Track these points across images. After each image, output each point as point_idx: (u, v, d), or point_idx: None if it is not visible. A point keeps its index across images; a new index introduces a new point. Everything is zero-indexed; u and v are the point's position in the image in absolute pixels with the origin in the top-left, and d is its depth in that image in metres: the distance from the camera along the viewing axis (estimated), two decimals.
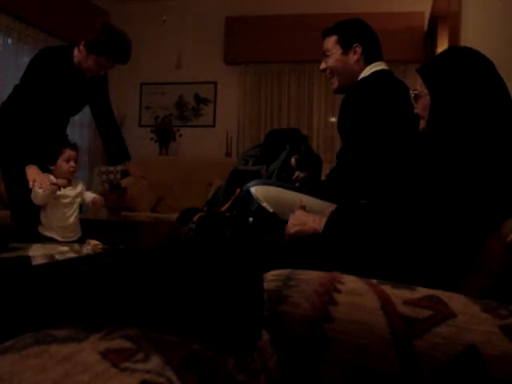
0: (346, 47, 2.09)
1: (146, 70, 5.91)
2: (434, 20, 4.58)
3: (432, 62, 1.45)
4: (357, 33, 2.11)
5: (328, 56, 2.13)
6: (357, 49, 2.07)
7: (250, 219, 1.83)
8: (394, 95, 1.93)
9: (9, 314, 0.55)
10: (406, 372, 0.62)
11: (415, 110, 1.48)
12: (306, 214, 1.61)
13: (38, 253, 1.97)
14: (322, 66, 2.18)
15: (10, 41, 4.74)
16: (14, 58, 4.76)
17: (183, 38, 5.75)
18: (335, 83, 2.16)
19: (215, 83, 5.97)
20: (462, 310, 0.67)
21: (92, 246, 2.12)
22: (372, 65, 2.07)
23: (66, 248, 2.20)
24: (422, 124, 1.46)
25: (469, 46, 1.45)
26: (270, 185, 1.96)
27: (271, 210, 1.84)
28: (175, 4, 5.81)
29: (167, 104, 6.09)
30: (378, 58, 2.10)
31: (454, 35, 3.30)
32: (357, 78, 2.07)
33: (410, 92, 1.50)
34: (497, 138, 1.28)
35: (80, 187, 2.85)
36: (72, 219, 2.77)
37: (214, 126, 6.00)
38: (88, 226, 3.03)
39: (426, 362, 0.62)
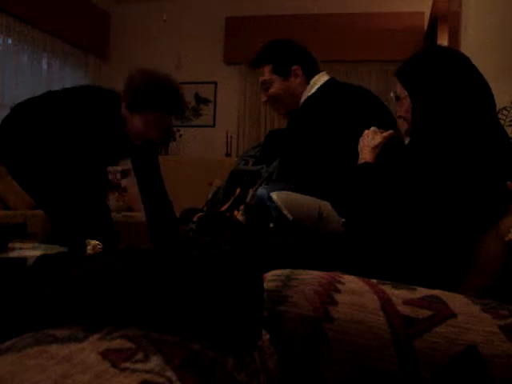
0: (284, 73, 1.99)
1: None
2: (434, 20, 4.58)
3: (408, 64, 1.43)
4: (291, 55, 2.01)
5: (268, 86, 2.03)
6: (297, 71, 1.98)
7: (271, 225, 1.81)
8: (342, 106, 1.87)
9: (9, 314, 0.55)
10: (405, 372, 0.62)
11: (398, 114, 1.48)
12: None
13: (37, 253, 1.96)
14: (263, 98, 2.07)
15: (9, 41, 4.73)
16: (14, 58, 4.76)
17: (183, 38, 5.75)
18: (281, 109, 2.06)
19: (215, 83, 5.97)
20: (461, 310, 0.67)
21: (92, 245, 2.10)
22: (313, 79, 1.99)
23: (65, 248, 2.19)
24: (407, 126, 1.46)
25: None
26: (289, 189, 1.92)
27: (291, 218, 1.80)
28: (175, 4, 5.81)
29: None
30: (316, 71, 2.01)
31: (454, 35, 3.30)
32: (301, 96, 1.99)
33: (391, 94, 1.49)
34: (483, 133, 1.28)
35: None
36: None
37: (213, 126, 6.00)
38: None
39: (425, 362, 0.62)
